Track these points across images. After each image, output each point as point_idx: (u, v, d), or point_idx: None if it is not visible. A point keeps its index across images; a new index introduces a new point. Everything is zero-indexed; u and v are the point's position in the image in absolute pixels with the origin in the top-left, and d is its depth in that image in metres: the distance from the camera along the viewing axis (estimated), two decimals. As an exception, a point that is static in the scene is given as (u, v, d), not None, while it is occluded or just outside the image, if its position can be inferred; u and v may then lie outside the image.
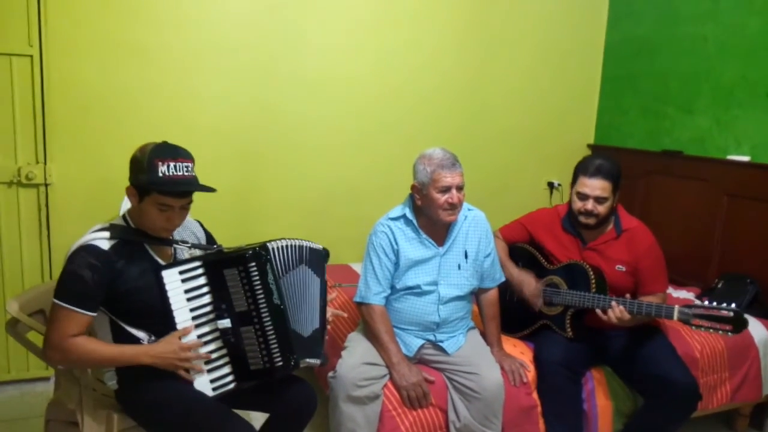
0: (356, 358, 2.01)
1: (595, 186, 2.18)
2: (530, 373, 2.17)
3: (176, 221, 1.69)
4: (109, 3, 2.68)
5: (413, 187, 2.12)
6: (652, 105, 3.41)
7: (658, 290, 2.23)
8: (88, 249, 1.58)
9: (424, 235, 2.13)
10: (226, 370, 1.71)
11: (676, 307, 2.00)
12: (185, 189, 1.65)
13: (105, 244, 1.60)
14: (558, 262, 2.33)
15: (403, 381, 1.99)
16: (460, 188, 2.05)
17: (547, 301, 2.31)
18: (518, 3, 3.47)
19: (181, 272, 1.67)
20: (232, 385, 1.71)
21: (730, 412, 2.68)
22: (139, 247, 1.69)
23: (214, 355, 1.69)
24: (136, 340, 1.65)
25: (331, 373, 2.01)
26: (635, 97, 3.52)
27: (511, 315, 2.38)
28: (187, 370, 1.65)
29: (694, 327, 1.97)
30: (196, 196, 1.69)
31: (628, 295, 2.13)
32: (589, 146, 3.81)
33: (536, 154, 3.70)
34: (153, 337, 1.66)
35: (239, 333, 1.69)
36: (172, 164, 1.61)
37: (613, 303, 2.08)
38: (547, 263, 2.36)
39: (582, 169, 2.23)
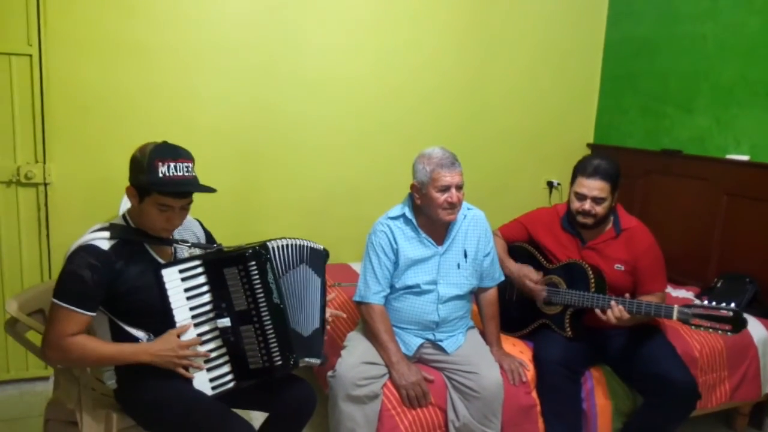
0: (356, 358, 2.01)
1: (593, 186, 2.18)
2: (529, 373, 2.18)
3: (176, 221, 1.69)
4: (109, 2, 2.68)
5: (413, 187, 2.12)
6: (651, 104, 3.41)
7: (657, 290, 2.24)
8: (88, 249, 1.58)
9: (424, 235, 2.13)
10: (226, 369, 1.71)
11: (676, 306, 2.01)
12: (186, 189, 1.65)
13: (105, 244, 1.60)
14: (557, 262, 2.33)
15: (403, 380, 1.99)
16: (459, 187, 2.05)
17: (547, 300, 2.31)
18: (518, 3, 3.47)
19: (180, 271, 1.68)
20: (231, 384, 1.71)
21: (729, 411, 2.68)
22: (139, 246, 1.68)
23: (213, 354, 1.69)
24: (135, 340, 1.65)
25: (330, 373, 2.01)
26: (635, 96, 3.52)
27: (510, 314, 2.39)
28: (186, 368, 1.65)
29: (693, 327, 1.98)
30: (196, 195, 1.69)
31: (627, 295, 2.13)
32: (589, 145, 3.81)
33: (536, 154, 3.70)
34: (152, 337, 1.66)
35: (239, 332, 1.69)
36: (172, 164, 1.61)
37: (612, 302, 2.08)
38: (546, 262, 2.37)
39: (580, 169, 2.23)
